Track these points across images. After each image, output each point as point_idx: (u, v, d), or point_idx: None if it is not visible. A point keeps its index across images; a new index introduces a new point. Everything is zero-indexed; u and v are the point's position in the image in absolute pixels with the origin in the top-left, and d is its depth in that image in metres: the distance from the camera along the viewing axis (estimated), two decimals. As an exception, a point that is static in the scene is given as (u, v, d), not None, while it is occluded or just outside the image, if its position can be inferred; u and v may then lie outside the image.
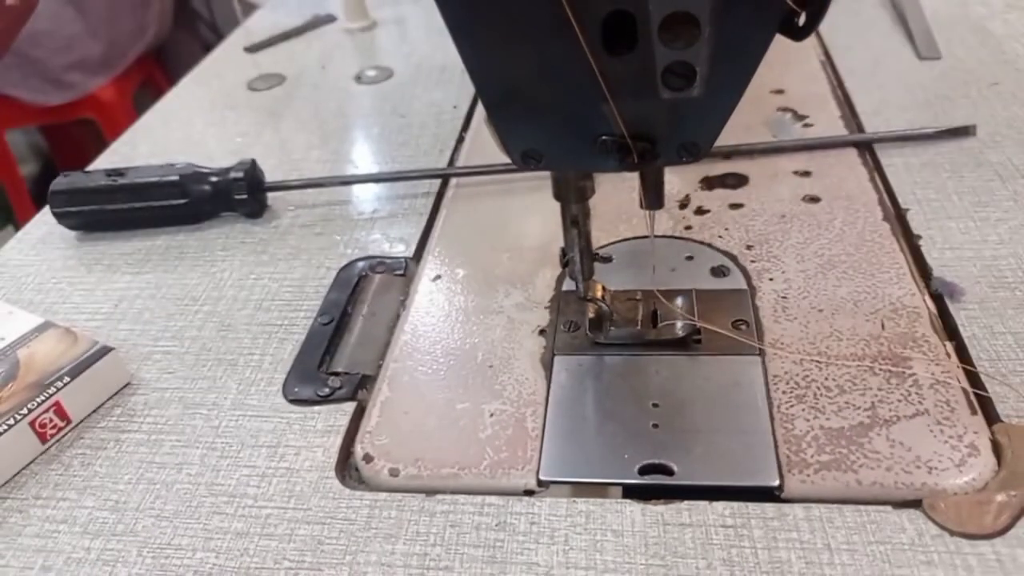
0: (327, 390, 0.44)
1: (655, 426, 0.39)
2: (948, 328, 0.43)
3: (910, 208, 0.51)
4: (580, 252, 0.40)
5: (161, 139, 0.73)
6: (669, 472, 0.37)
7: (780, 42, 0.30)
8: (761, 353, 0.42)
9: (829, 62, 0.70)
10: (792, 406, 0.39)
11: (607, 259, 0.42)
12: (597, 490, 0.37)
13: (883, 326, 0.43)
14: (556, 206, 0.39)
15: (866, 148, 0.58)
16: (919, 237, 0.48)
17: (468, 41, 0.31)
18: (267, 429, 0.42)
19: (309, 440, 0.41)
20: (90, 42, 1.60)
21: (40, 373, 0.43)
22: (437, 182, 0.60)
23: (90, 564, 0.36)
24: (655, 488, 0.36)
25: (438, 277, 0.51)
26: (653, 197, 0.38)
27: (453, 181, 0.60)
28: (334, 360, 0.46)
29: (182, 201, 0.57)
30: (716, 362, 0.42)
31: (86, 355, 0.44)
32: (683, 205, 0.54)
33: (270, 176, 0.60)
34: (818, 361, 0.41)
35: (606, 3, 0.28)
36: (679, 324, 0.43)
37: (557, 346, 0.44)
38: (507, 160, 0.35)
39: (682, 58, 0.29)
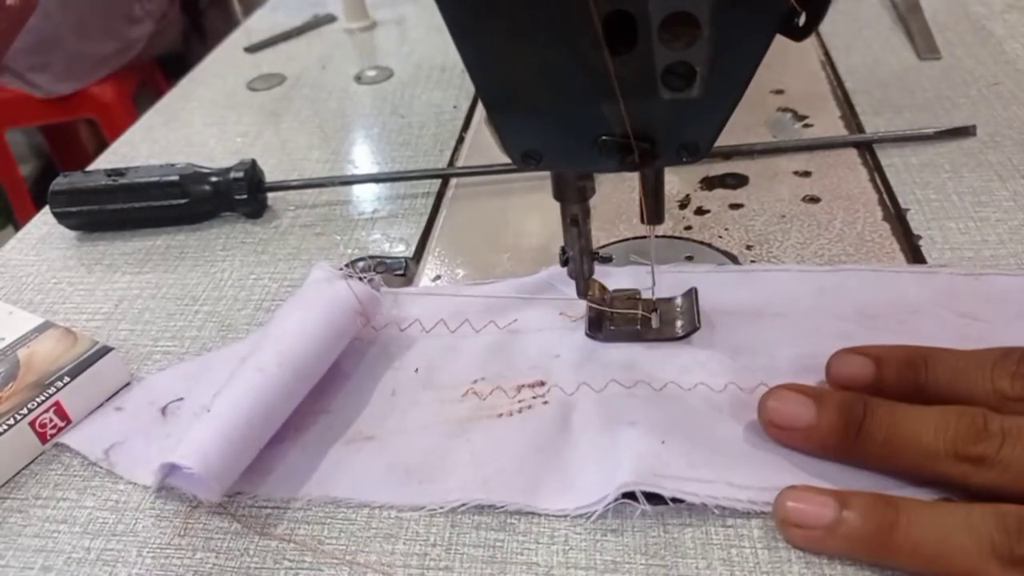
0: (327, 390, 0.44)
1: (655, 426, 0.39)
2: (948, 328, 0.43)
3: (910, 208, 0.51)
4: (580, 251, 0.40)
5: (161, 139, 0.73)
6: (669, 472, 0.37)
7: (780, 42, 0.30)
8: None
9: (829, 62, 0.70)
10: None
11: (607, 259, 0.42)
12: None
13: (883, 326, 0.43)
14: (556, 206, 0.39)
15: (866, 148, 0.58)
16: (919, 237, 0.48)
17: (468, 41, 0.31)
18: (267, 429, 0.42)
19: (309, 440, 0.41)
20: (92, 41, 1.61)
21: (40, 373, 0.43)
22: (437, 182, 0.60)
23: (90, 564, 0.36)
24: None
25: (438, 277, 0.51)
26: (653, 211, 0.38)
27: (453, 181, 0.60)
28: (334, 360, 0.46)
29: (182, 201, 0.57)
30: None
31: (86, 355, 0.44)
32: (683, 205, 0.54)
33: (270, 176, 0.60)
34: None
35: (606, 3, 0.28)
36: (678, 323, 0.43)
37: (557, 346, 0.44)
38: (507, 160, 0.35)
39: (682, 58, 0.29)
